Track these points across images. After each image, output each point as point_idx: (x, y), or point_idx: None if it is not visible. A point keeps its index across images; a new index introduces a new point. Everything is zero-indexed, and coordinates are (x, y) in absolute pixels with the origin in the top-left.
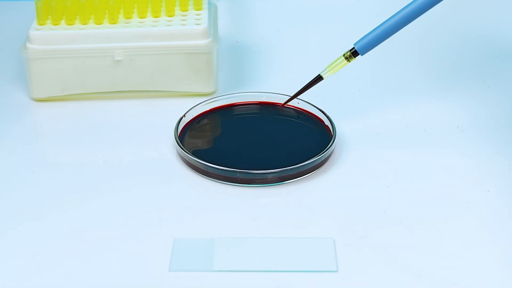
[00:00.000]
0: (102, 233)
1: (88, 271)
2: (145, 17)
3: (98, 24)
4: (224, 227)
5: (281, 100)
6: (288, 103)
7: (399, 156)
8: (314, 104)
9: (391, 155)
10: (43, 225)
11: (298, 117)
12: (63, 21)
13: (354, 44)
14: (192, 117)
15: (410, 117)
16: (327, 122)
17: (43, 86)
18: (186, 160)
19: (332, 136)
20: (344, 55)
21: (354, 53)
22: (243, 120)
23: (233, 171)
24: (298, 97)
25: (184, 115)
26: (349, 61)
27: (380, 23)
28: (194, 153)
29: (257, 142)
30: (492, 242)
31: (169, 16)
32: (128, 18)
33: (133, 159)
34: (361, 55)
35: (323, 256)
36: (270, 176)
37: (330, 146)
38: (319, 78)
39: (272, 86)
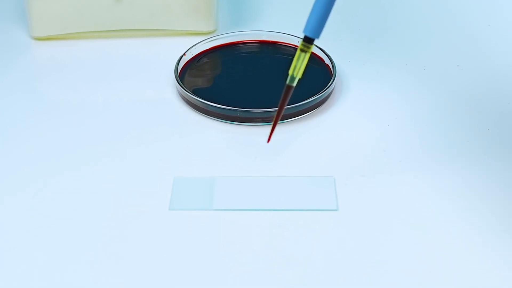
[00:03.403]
0: (102, 172)
1: (87, 209)
2: None
3: None
4: (224, 165)
5: (281, 38)
6: (289, 42)
7: (399, 94)
8: (314, 43)
9: (391, 93)
10: (43, 162)
11: None
12: None
13: (303, 32)
14: (192, 55)
15: (410, 55)
16: (327, 61)
17: (43, 25)
18: (186, 99)
19: (332, 74)
20: (300, 49)
21: (308, 41)
22: (243, 59)
23: (233, 109)
24: (298, 39)
25: (184, 54)
26: (309, 51)
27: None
28: (194, 92)
29: (257, 80)
30: (492, 184)
31: None
32: None
33: (133, 98)
34: (317, 38)
35: (324, 195)
36: (270, 115)
37: (330, 84)
38: (289, 89)
39: (273, 24)
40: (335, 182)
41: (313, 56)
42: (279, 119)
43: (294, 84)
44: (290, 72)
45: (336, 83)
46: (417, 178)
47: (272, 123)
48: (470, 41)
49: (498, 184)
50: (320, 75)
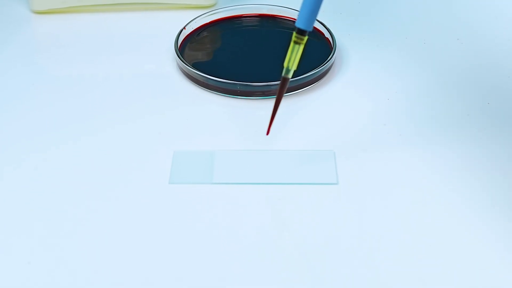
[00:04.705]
0: (102, 145)
1: (86, 182)
2: None
3: None
4: (224, 139)
5: (281, 12)
6: (289, 16)
7: (399, 68)
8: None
9: (391, 67)
10: (42, 136)
11: None
12: None
13: (296, 24)
14: (192, 29)
15: (410, 29)
16: (327, 35)
17: None
18: (186, 72)
19: (332, 48)
20: (293, 41)
21: (301, 32)
22: (243, 33)
23: (233, 83)
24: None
25: (184, 28)
26: (303, 43)
27: None
28: (194, 66)
29: (258, 54)
30: (493, 158)
31: None
32: None
33: (133, 72)
34: (310, 30)
35: (324, 169)
36: (270, 88)
37: (330, 58)
38: (285, 81)
39: None
40: (335, 155)
41: (313, 30)
42: (277, 110)
43: (290, 76)
44: (285, 64)
45: (336, 56)
46: (417, 152)
47: (273, 95)
48: (470, 14)
49: (498, 158)
50: (320, 49)
